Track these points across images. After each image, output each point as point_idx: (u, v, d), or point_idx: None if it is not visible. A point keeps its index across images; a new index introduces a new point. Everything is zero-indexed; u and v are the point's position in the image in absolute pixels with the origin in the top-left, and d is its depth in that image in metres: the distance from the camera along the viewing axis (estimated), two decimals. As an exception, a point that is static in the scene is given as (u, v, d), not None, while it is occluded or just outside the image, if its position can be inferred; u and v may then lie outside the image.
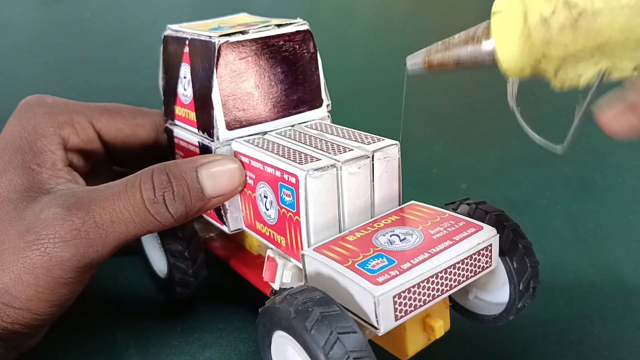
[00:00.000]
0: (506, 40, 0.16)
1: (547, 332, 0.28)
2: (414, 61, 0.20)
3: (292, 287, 0.21)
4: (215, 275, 0.31)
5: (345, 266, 0.20)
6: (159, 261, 0.30)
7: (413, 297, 0.19)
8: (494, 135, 0.53)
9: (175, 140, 0.29)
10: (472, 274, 0.21)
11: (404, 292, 0.19)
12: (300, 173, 0.21)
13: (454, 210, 0.24)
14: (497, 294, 0.25)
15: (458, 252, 0.20)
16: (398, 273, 0.19)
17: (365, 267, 0.20)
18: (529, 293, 0.23)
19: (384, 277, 0.19)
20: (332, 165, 0.22)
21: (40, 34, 0.78)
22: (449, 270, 0.20)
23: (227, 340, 0.28)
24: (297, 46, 0.26)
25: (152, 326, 0.29)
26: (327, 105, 0.28)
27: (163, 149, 0.30)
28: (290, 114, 0.27)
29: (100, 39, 0.77)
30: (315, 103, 0.27)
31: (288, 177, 0.22)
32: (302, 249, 0.22)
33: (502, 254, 0.23)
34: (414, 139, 0.52)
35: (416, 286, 0.19)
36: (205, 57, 0.25)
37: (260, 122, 0.26)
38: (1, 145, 0.26)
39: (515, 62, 0.16)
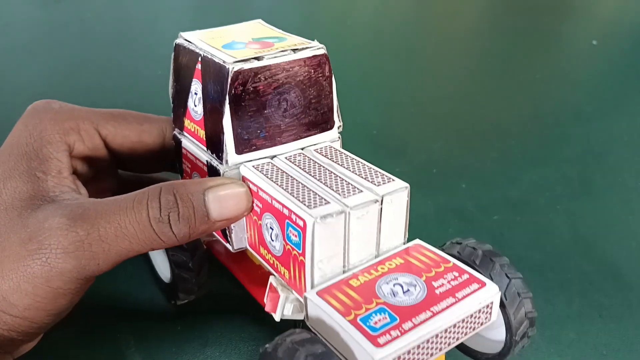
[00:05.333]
0: None
1: (546, 330, 0.29)
2: None
3: (293, 329, 0.22)
4: (215, 275, 0.32)
5: (348, 320, 0.20)
6: (163, 266, 0.30)
7: (412, 357, 0.20)
8: (493, 135, 0.52)
9: (183, 151, 0.28)
10: (471, 330, 0.22)
11: (404, 354, 0.19)
12: (309, 219, 0.21)
13: (459, 253, 0.24)
14: (494, 332, 0.25)
15: (460, 312, 0.21)
16: (399, 334, 0.20)
17: (367, 324, 0.20)
18: (524, 341, 0.24)
19: (385, 337, 0.19)
20: (341, 211, 0.22)
21: (41, 34, 0.76)
22: (449, 329, 0.21)
23: (227, 339, 0.29)
24: (313, 70, 0.25)
25: (153, 325, 0.30)
26: (339, 127, 0.27)
27: (169, 155, 0.30)
28: (301, 137, 0.26)
29: (101, 39, 0.75)
30: (327, 126, 0.27)
31: (296, 219, 0.22)
32: (305, 288, 0.23)
33: (502, 305, 0.23)
34: (414, 139, 0.51)
35: (416, 347, 0.20)
36: (218, 81, 0.24)
37: (270, 146, 0.26)
38: (7, 151, 0.26)
39: None
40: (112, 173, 0.30)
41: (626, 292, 0.32)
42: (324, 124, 0.27)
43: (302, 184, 0.24)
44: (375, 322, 0.20)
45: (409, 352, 0.19)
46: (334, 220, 0.22)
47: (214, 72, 0.24)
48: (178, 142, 0.28)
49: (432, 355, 0.20)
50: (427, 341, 0.20)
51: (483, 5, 1.04)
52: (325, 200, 0.22)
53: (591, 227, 0.38)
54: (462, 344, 0.26)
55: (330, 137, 0.27)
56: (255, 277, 0.29)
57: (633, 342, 0.28)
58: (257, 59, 0.24)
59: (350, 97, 0.58)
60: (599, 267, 0.34)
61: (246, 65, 0.24)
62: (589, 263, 0.34)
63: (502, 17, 0.95)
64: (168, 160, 0.30)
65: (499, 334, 0.25)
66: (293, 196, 0.23)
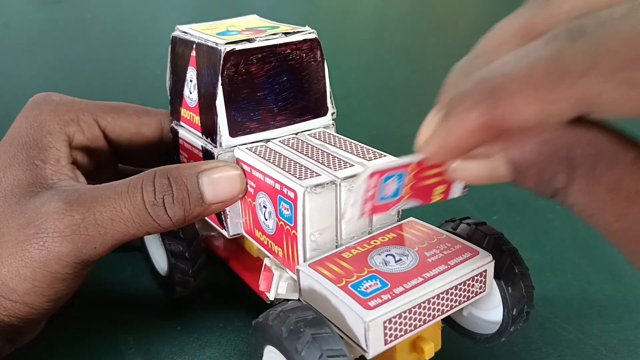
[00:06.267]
0: None
1: (545, 331, 0.28)
2: None
3: (285, 301, 0.21)
4: (215, 274, 0.32)
5: (339, 286, 0.20)
6: (160, 259, 0.30)
7: (404, 322, 0.19)
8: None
9: (180, 142, 0.29)
10: (465, 299, 0.21)
11: (394, 317, 0.19)
12: (299, 189, 0.21)
13: (453, 229, 0.24)
14: (491, 313, 0.25)
15: (452, 278, 0.20)
16: (390, 297, 0.19)
17: (358, 289, 0.20)
18: (522, 317, 0.23)
19: (375, 301, 0.19)
20: (331, 182, 0.22)
21: (41, 34, 0.79)
22: (441, 295, 0.20)
23: (227, 340, 0.29)
24: (304, 55, 0.26)
25: (152, 325, 0.29)
26: (332, 114, 0.28)
27: (168, 147, 0.30)
28: (295, 122, 0.27)
29: (100, 39, 0.77)
30: (320, 111, 0.27)
31: (287, 191, 0.22)
32: (298, 263, 0.23)
33: (497, 277, 0.23)
34: (414, 139, 0.51)
35: (407, 311, 0.19)
36: (211, 64, 0.25)
37: (264, 130, 0.26)
38: (8, 141, 0.27)
39: None
40: (112, 166, 0.31)
41: (626, 293, 0.31)
42: (317, 110, 0.27)
43: (294, 161, 0.24)
44: (366, 288, 0.20)
45: (399, 316, 0.19)
46: (324, 190, 0.22)
47: (207, 56, 0.25)
48: (175, 133, 0.29)
49: (425, 322, 0.20)
50: (419, 306, 0.20)
51: (483, 5, 1.05)
52: (316, 173, 0.22)
53: (591, 227, 0.38)
54: (459, 325, 0.25)
55: (324, 123, 0.28)
56: (253, 269, 0.29)
57: (632, 343, 0.28)
58: (249, 41, 0.25)
59: (350, 97, 0.59)
60: (599, 267, 0.34)
61: (238, 47, 0.24)
62: (588, 263, 0.34)
63: (502, 16, 0.96)
64: (166, 152, 0.30)
65: (497, 315, 0.24)
66: (285, 171, 0.23)
